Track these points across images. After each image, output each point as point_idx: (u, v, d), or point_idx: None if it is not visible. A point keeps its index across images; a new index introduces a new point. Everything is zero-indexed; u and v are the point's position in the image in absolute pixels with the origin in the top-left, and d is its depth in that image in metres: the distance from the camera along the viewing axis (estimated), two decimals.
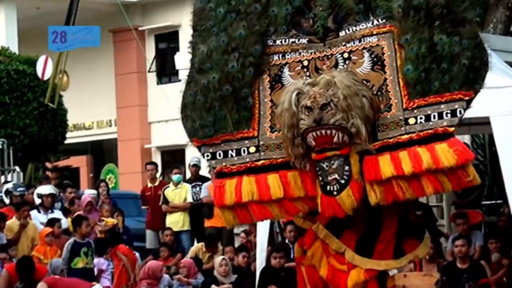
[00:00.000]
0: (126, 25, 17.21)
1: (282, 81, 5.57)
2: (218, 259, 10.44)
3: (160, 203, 12.20)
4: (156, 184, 12.67)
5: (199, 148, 5.62)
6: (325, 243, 5.51)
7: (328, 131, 5.19)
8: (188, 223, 12.10)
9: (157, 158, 20.63)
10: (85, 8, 12.42)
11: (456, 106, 5.18)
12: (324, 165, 5.24)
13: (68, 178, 16.33)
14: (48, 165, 16.50)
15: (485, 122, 9.37)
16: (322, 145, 5.22)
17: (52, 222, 10.66)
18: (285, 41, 5.60)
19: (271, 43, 5.61)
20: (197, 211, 11.95)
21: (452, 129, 5.17)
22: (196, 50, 5.63)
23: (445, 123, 5.17)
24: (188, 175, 13.39)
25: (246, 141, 5.52)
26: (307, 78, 5.47)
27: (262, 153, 5.49)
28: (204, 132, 5.58)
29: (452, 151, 5.09)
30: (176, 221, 12.04)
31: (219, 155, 5.57)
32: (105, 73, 22.15)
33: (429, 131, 5.17)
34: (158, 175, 13.82)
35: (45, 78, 13.96)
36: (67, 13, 12.35)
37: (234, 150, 5.53)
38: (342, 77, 5.24)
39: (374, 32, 5.42)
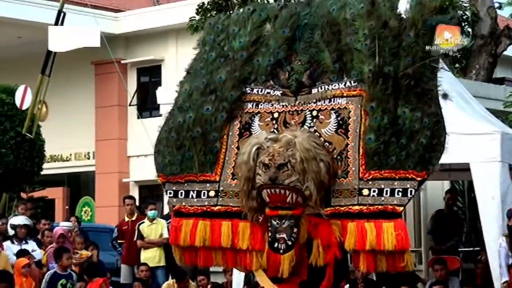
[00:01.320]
0: (109, 58, 17.11)
1: (251, 129, 5.59)
2: None
3: (135, 239, 12.10)
4: (134, 218, 12.57)
5: (163, 184, 5.65)
6: None
7: (282, 191, 5.17)
8: (164, 259, 11.99)
9: (135, 193, 20.47)
10: None
11: (408, 186, 5.12)
12: (275, 222, 5.22)
13: (43, 209, 16.13)
14: (23, 195, 16.28)
15: (465, 169, 9.37)
16: (276, 202, 5.21)
17: (22, 254, 10.50)
18: (261, 91, 5.64)
19: (248, 91, 5.65)
20: None
21: (401, 209, 5.12)
22: (181, 89, 5.73)
23: (395, 202, 5.12)
24: (166, 210, 13.28)
25: (208, 185, 5.55)
26: (275, 130, 5.49)
27: (220, 199, 5.50)
28: (171, 169, 5.63)
29: (395, 234, 5.05)
30: (152, 257, 11.93)
31: (181, 194, 5.60)
32: (85, 105, 22.05)
33: (379, 207, 5.12)
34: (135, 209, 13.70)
35: (24, 107, 13.81)
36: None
37: (195, 192, 5.56)
38: (303, 139, 5.20)
39: (345, 94, 5.42)
